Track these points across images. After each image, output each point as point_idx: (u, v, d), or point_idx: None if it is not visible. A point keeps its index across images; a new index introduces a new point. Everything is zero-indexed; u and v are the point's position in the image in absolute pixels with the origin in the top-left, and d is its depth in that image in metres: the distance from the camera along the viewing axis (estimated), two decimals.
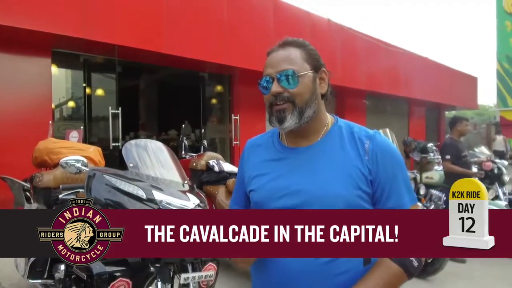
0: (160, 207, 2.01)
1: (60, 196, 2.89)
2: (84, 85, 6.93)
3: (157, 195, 2.05)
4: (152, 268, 2.08)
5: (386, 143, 1.16)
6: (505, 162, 6.02)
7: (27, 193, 4.49)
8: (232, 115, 8.43)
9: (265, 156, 1.24)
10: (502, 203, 5.37)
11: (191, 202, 2.14)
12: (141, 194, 2.02)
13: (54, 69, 6.18)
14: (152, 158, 2.38)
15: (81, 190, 2.24)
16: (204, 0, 7.23)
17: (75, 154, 2.76)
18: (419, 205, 1.15)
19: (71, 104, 7.05)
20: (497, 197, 6.03)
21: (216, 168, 4.13)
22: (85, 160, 2.19)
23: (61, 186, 2.26)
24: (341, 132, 1.18)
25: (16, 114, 5.62)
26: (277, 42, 1.22)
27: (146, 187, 2.07)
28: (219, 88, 9.09)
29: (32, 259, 2.72)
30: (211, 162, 4.21)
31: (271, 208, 1.14)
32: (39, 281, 2.74)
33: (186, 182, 2.38)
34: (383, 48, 12.10)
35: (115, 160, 5.81)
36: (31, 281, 2.73)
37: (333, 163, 1.12)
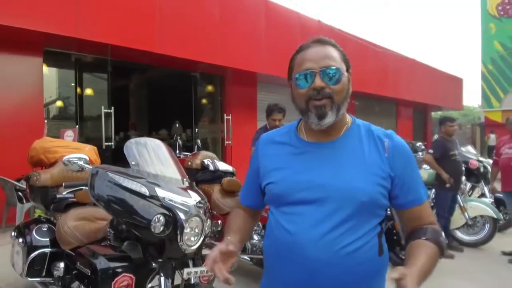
0: (163, 203, 2.04)
1: (58, 195, 2.91)
2: (76, 84, 6.89)
3: (160, 192, 2.08)
4: (154, 264, 2.11)
5: (402, 142, 1.22)
6: (490, 161, 6.19)
7: (19, 193, 4.47)
8: (224, 115, 8.47)
9: (284, 150, 1.25)
10: (488, 201, 5.53)
11: (192, 199, 2.17)
12: (144, 191, 2.04)
13: (45, 68, 6.13)
14: (152, 155, 2.40)
15: (84, 187, 2.26)
16: (196, 1, 7.25)
17: (72, 153, 2.77)
18: None
19: (63, 103, 6.99)
20: (483, 195, 6.21)
21: (211, 167, 4.17)
22: (87, 158, 2.22)
23: (63, 184, 2.27)
24: (359, 130, 1.22)
25: (7, 114, 5.57)
26: (310, 39, 1.23)
27: (149, 184, 2.10)
28: (210, 88, 9.12)
29: (30, 257, 2.73)
30: (206, 161, 4.24)
31: (292, 200, 1.17)
32: (38, 279, 2.74)
33: (185, 179, 2.42)
34: (371, 50, 12.28)
35: (108, 160, 5.80)
36: (29, 279, 2.74)
37: (355, 159, 1.16)
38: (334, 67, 1.15)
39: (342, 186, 1.13)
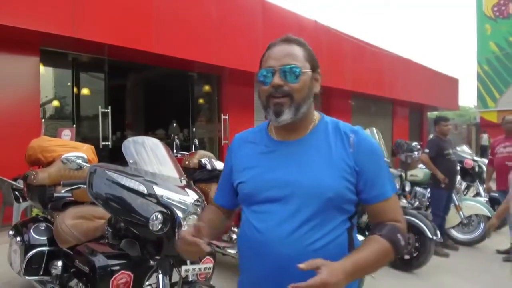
0: (161, 201, 2.05)
1: (56, 194, 2.92)
2: (73, 84, 6.88)
3: (158, 190, 2.10)
4: (152, 261, 2.13)
5: (369, 137, 1.23)
6: (485, 160, 6.25)
7: (16, 192, 4.46)
8: (221, 114, 8.49)
9: (255, 149, 1.28)
10: (483, 200, 5.58)
11: (190, 197, 2.19)
12: (142, 189, 2.06)
13: (42, 67, 6.12)
14: (150, 154, 2.42)
15: (82, 186, 2.27)
16: (193, 1, 7.26)
17: (70, 152, 2.78)
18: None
19: (60, 103, 6.99)
20: (478, 194, 6.27)
21: (209, 166, 4.19)
22: (85, 156, 2.23)
23: (62, 182, 2.28)
24: (327, 127, 1.23)
25: (4, 113, 5.55)
26: (273, 40, 1.25)
27: (147, 182, 2.12)
28: (207, 87, 9.14)
29: (28, 256, 2.73)
30: (203, 160, 4.26)
31: (261, 199, 1.19)
32: (36, 277, 2.75)
33: (183, 178, 2.44)
34: (368, 50, 12.33)
35: (105, 159, 5.80)
36: (27, 278, 2.74)
37: (321, 155, 1.17)
38: (294, 65, 1.16)
39: (307, 183, 1.14)
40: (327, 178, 1.14)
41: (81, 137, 6.93)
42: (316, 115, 1.27)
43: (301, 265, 0.96)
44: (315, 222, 1.13)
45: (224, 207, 1.43)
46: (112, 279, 1.98)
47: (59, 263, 2.66)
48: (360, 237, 1.36)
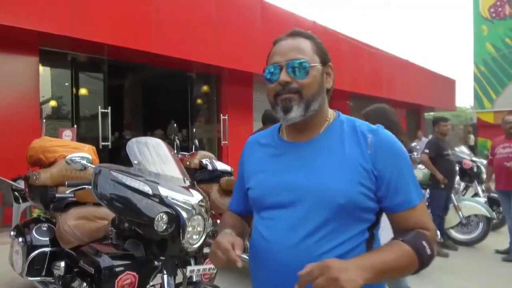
0: (166, 202, 2.05)
1: (58, 194, 2.90)
2: (72, 84, 6.87)
3: (162, 191, 2.10)
4: (156, 262, 2.13)
5: (390, 137, 1.09)
6: (483, 161, 6.28)
7: (16, 193, 4.45)
8: (221, 115, 8.49)
9: (265, 152, 1.19)
10: (482, 200, 5.61)
11: (195, 197, 2.19)
12: (147, 189, 2.06)
13: (41, 67, 6.11)
14: (154, 155, 2.42)
15: (86, 186, 2.27)
16: (192, 1, 7.26)
17: (72, 152, 2.77)
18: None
19: (59, 103, 6.97)
20: (476, 194, 6.30)
21: (209, 167, 4.19)
22: (90, 157, 2.23)
23: (66, 183, 2.27)
24: (342, 126, 1.12)
25: (3, 113, 5.53)
26: (282, 34, 1.16)
27: (151, 183, 2.12)
28: (206, 88, 9.14)
29: (30, 257, 2.73)
30: (204, 160, 4.26)
31: (268, 205, 1.11)
32: (38, 278, 2.74)
33: (186, 178, 2.44)
34: (365, 51, 12.37)
35: (105, 160, 5.79)
36: (29, 279, 2.73)
37: (333, 158, 1.06)
38: (301, 60, 1.07)
39: (316, 187, 1.04)
40: (337, 182, 1.03)
41: (80, 137, 6.92)
42: (331, 113, 1.17)
43: (300, 272, 0.87)
44: (326, 230, 1.02)
45: (237, 213, 1.35)
46: (117, 279, 1.99)
47: (62, 264, 2.65)
48: None
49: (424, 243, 1.00)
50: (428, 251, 1.00)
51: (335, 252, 1.01)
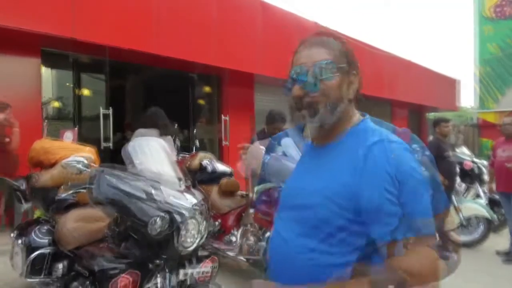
0: (160, 206, 2.08)
1: (58, 196, 2.94)
2: (73, 85, 6.90)
3: (157, 195, 2.12)
4: (152, 264, 2.15)
5: (385, 152, 1.01)
6: (484, 162, 6.25)
7: (18, 193, 4.48)
8: (222, 115, 8.50)
9: (301, 156, 1.28)
10: (483, 202, 5.60)
11: (189, 201, 2.21)
12: (142, 194, 2.09)
13: (43, 69, 6.15)
14: (151, 157, 2.44)
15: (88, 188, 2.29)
16: (193, 1, 7.28)
17: (72, 154, 2.80)
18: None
19: (61, 104, 7.01)
20: (477, 196, 6.28)
21: (209, 168, 4.21)
22: (85, 161, 2.25)
23: (69, 184, 2.31)
24: (358, 135, 1.08)
25: None
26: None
27: (146, 187, 2.14)
28: (208, 88, 9.15)
29: (30, 257, 2.75)
30: (204, 162, 4.27)
31: (286, 207, 1.15)
32: (38, 279, 2.77)
33: (182, 181, 2.46)
34: (367, 51, 12.34)
35: (107, 161, 5.81)
36: (29, 279, 2.76)
37: (331, 169, 1.07)
38: (328, 60, 1.06)
39: (319, 195, 1.04)
40: (319, 197, 1.05)
41: (82, 138, 6.94)
42: (357, 117, 1.15)
43: None
44: (337, 239, 1.02)
45: None
46: (113, 282, 2.01)
47: (61, 265, 2.68)
48: None
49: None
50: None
51: (344, 259, 1.00)
